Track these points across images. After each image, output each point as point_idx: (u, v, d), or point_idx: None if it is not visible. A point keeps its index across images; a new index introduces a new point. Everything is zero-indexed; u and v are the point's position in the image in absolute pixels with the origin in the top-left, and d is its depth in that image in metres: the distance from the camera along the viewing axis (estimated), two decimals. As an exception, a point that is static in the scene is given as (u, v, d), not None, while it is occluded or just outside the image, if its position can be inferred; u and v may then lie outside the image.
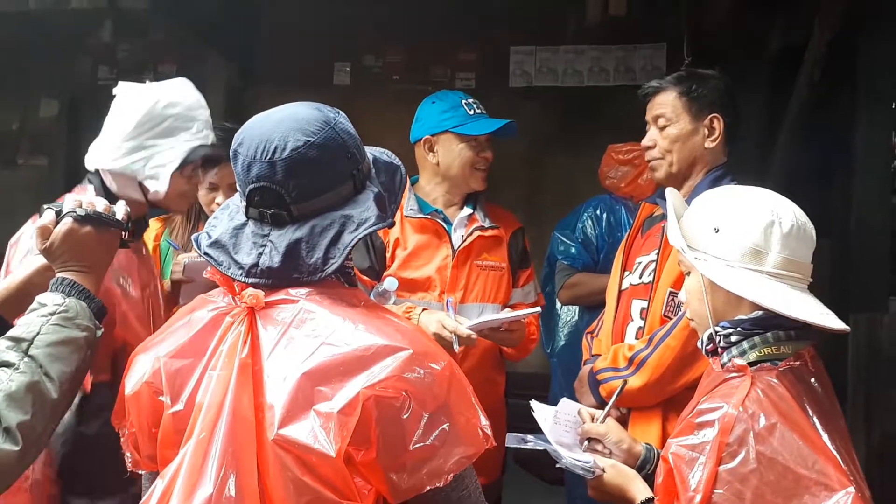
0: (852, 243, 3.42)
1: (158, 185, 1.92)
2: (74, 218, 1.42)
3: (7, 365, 1.26)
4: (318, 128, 1.26)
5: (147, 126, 1.91)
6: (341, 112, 1.32)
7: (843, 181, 3.50)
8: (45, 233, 1.43)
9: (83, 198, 1.47)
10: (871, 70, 3.29)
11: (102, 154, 1.94)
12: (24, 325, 1.32)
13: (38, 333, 1.30)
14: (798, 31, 3.64)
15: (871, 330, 3.24)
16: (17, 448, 1.21)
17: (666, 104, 2.12)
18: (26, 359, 1.28)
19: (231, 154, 1.29)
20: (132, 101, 1.94)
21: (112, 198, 1.84)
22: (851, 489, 1.21)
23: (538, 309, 2.30)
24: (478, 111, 2.38)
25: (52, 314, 1.33)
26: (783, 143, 3.75)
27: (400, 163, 1.39)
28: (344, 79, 4.67)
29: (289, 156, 1.23)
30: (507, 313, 2.22)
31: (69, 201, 1.45)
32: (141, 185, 1.94)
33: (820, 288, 1.44)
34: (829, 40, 3.41)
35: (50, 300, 1.36)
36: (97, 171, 1.97)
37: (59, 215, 1.44)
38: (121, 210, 1.49)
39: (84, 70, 4.93)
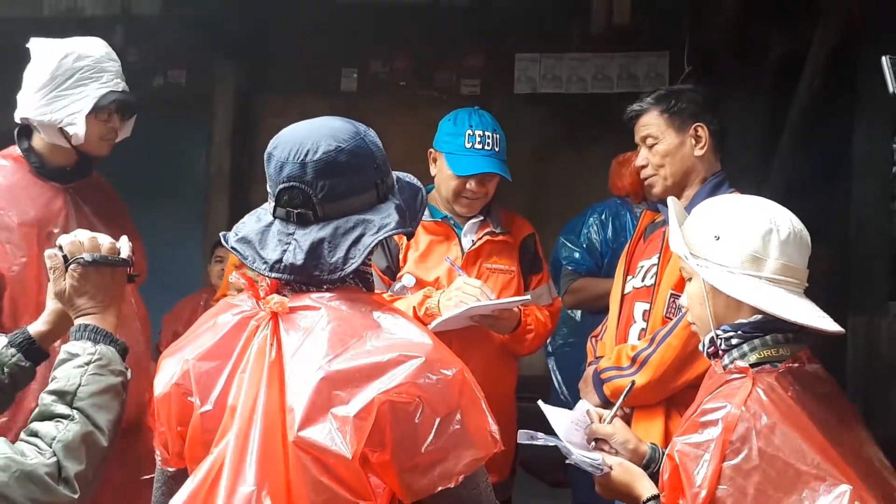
0: (852, 248, 3.47)
1: (77, 129, 2.10)
2: (82, 264, 1.44)
3: (63, 416, 1.31)
4: (349, 136, 1.33)
5: (61, 79, 2.10)
6: (371, 129, 1.39)
7: (843, 186, 3.55)
8: (59, 276, 1.45)
9: (83, 237, 1.47)
10: (871, 78, 3.33)
11: (26, 106, 2.14)
12: (63, 378, 1.35)
13: (79, 385, 1.34)
14: (799, 40, 3.69)
15: (869, 333, 3.28)
16: (75, 496, 1.27)
17: (650, 124, 2.19)
18: (75, 411, 1.32)
19: (266, 157, 1.36)
20: (46, 56, 2.12)
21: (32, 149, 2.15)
22: (845, 486, 1.26)
23: (528, 297, 2.34)
24: (477, 146, 2.35)
25: (87, 364, 1.36)
26: (784, 148, 3.79)
27: (422, 186, 1.46)
28: (351, 85, 4.73)
29: (320, 158, 1.30)
30: (498, 300, 2.27)
31: (75, 245, 1.45)
32: (62, 132, 2.11)
33: (819, 291, 1.49)
34: (830, 48, 3.46)
35: (81, 349, 1.38)
36: (26, 125, 2.17)
37: (66, 260, 1.44)
38: (125, 248, 1.51)
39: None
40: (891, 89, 1.51)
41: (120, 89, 2.15)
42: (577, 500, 3.29)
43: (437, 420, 1.21)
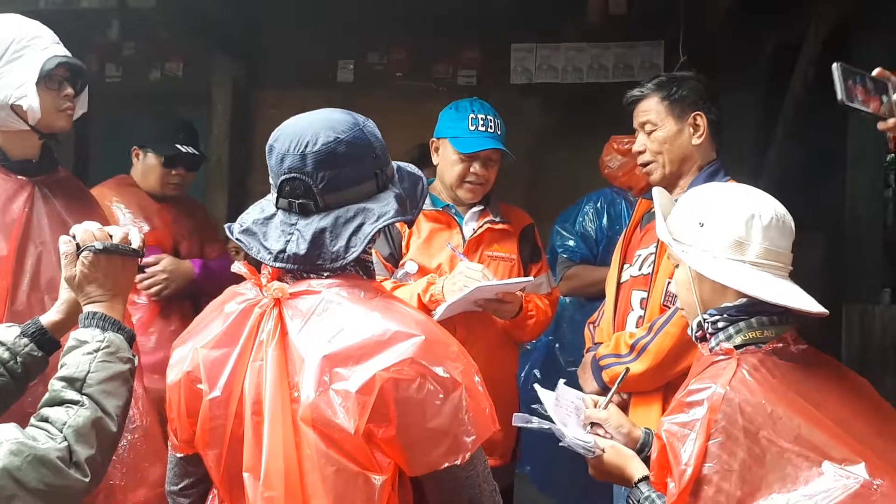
0: (846, 236, 3.49)
1: (30, 101, 1.91)
2: (94, 252, 1.47)
3: (73, 402, 1.34)
4: (347, 127, 1.36)
5: None
6: (371, 120, 1.42)
7: (837, 176, 3.57)
8: (70, 262, 1.48)
9: (93, 227, 1.50)
10: (864, 68, 3.35)
11: None
12: (72, 365, 1.38)
13: (88, 372, 1.37)
14: (793, 30, 3.71)
15: (863, 320, 3.31)
16: (86, 480, 1.30)
17: (650, 110, 2.21)
18: (84, 397, 1.35)
19: (267, 149, 1.40)
20: None
21: None
22: (829, 465, 1.29)
23: (531, 279, 2.40)
24: (480, 128, 2.40)
25: (96, 351, 1.39)
26: (778, 138, 3.82)
27: (423, 175, 1.49)
28: (348, 76, 4.72)
29: (319, 149, 1.33)
30: (503, 280, 2.32)
31: (87, 233, 1.49)
32: (15, 110, 1.94)
33: (813, 279, 1.52)
34: (824, 39, 3.48)
35: (90, 336, 1.41)
36: None
37: (79, 248, 1.47)
38: (136, 238, 1.54)
39: (90, 68, 4.97)
40: (839, 96, 1.54)
41: (61, 54, 1.99)
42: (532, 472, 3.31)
43: (440, 397, 1.24)
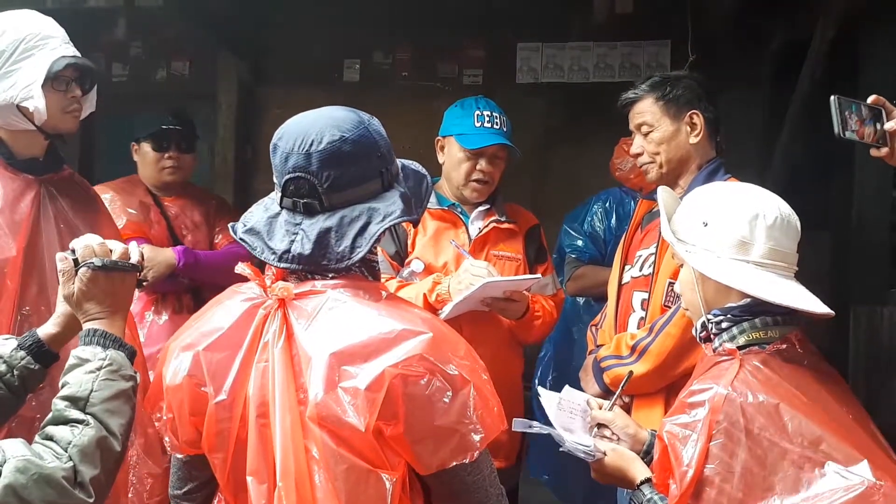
0: (853, 236, 3.47)
1: (36, 102, 1.89)
2: (92, 268, 1.44)
3: (77, 421, 1.32)
4: (352, 126, 1.35)
5: (6, 55, 1.91)
6: (375, 118, 1.41)
7: (844, 175, 3.55)
8: (68, 280, 1.45)
9: (94, 242, 1.48)
10: (871, 66, 3.33)
11: None
12: (75, 384, 1.36)
13: (91, 391, 1.35)
14: (800, 29, 3.69)
15: (871, 322, 3.28)
16: (90, 501, 1.28)
17: (645, 111, 2.20)
18: (88, 416, 1.33)
19: (271, 148, 1.38)
20: None
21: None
22: (833, 465, 1.28)
23: (538, 276, 2.38)
24: (486, 125, 2.40)
25: (98, 369, 1.37)
26: (785, 138, 3.80)
27: (427, 173, 1.48)
28: (353, 76, 4.73)
29: (324, 148, 1.32)
30: (510, 277, 2.32)
31: (87, 249, 1.46)
32: (21, 111, 1.92)
33: (821, 280, 1.51)
34: (831, 37, 3.46)
35: (92, 355, 1.39)
36: None
37: (76, 264, 1.45)
38: (135, 253, 1.52)
39: (98, 67, 4.98)
40: (835, 129, 1.55)
41: (70, 54, 1.96)
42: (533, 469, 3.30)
43: (449, 394, 1.24)
